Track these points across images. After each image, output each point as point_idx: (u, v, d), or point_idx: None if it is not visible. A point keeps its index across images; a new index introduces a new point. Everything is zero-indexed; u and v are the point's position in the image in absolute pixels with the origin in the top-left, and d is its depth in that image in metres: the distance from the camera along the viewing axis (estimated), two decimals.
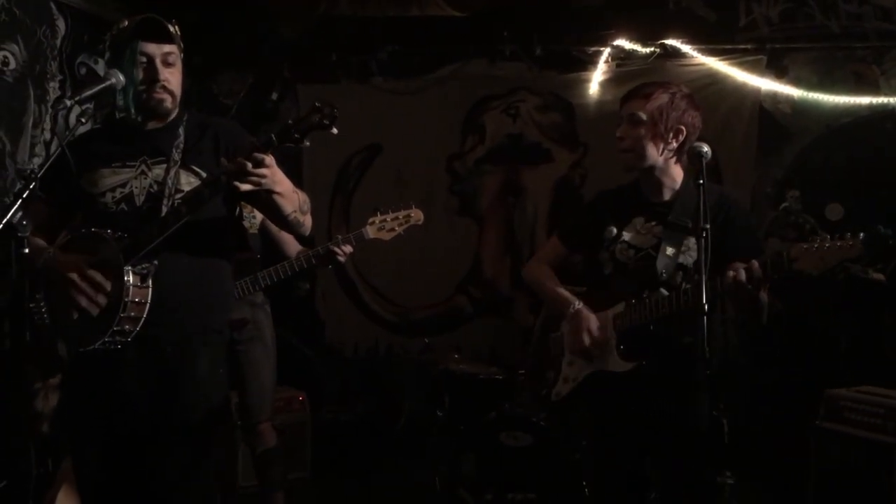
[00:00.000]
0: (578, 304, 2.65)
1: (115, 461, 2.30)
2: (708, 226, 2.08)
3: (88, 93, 2.14)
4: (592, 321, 2.60)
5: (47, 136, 4.64)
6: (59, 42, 4.72)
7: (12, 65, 4.41)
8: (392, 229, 3.43)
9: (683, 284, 2.46)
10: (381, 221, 3.44)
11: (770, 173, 4.94)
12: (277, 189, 2.17)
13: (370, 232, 3.44)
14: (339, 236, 3.49)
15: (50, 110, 4.63)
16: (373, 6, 4.83)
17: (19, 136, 4.45)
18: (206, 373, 2.34)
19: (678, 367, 2.29)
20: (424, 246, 5.04)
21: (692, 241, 2.47)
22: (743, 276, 2.24)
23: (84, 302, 2.18)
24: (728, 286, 2.26)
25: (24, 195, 1.92)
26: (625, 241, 2.58)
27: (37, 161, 4.54)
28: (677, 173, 2.58)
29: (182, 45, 2.40)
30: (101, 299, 2.19)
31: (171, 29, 2.34)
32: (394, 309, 5.59)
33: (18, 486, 3.37)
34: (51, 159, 2.08)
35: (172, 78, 2.34)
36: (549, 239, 3.00)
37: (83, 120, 2.15)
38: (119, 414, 2.28)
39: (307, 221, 2.43)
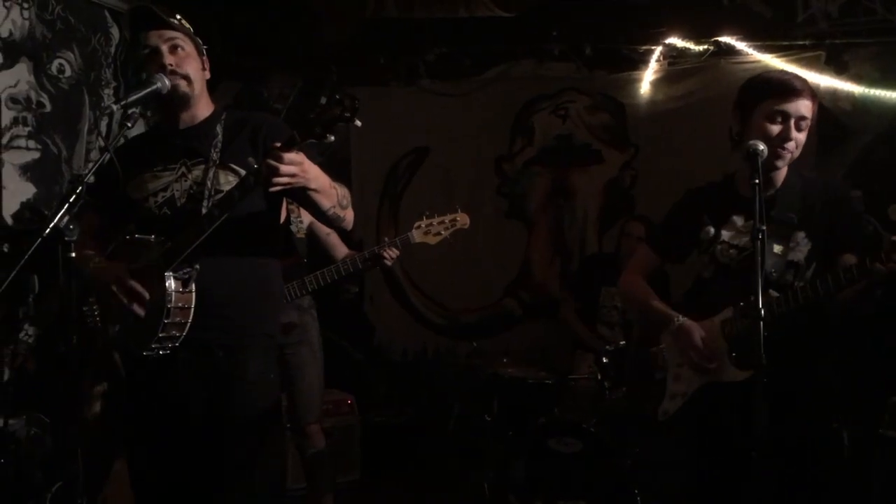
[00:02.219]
0: (680, 318, 2.53)
1: (167, 463, 2.31)
2: (764, 227, 2.00)
3: (134, 97, 2.15)
4: (697, 333, 2.48)
5: (102, 142, 4.73)
6: (113, 49, 4.81)
7: (68, 72, 4.50)
8: (438, 233, 3.43)
9: (796, 283, 2.37)
10: (427, 225, 3.44)
11: (830, 173, 4.77)
12: (312, 185, 2.13)
13: (416, 236, 3.45)
14: (386, 239, 3.50)
15: (105, 118, 4.72)
16: (420, 8, 4.81)
17: (75, 142, 4.55)
18: (257, 375, 2.33)
19: (797, 374, 2.19)
20: (473, 249, 5.03)
21: (801, 235, 2.40)
22: None
23: (133, 302, 2.19)
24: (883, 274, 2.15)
25: (71, 199, 1.93)
26: (725, 242, 2.48)
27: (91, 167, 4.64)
28: (785, 167, 2.49)
29: (195, 37, 2.37)
30: (139, 309, 2.19)
31: (172, 19, 2.31)
32: (442, 312, 5.57)
33: (73, 487, 3.44)
34: (96, 164, 2.08)
35: (183, 63, 2.29)
36: (639, 249, 2.88)
37: (129, 124, 2.16)
38: (172, 416, 2.29)
39: (348, 216, 2.39)
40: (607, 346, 3.85)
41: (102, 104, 4.72)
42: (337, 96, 1.97)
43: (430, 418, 5.23)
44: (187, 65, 2.30)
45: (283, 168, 2.00)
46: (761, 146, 2.16)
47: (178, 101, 2.31)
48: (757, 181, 2.05)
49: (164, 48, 2.27)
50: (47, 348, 3.97)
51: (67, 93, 4.48)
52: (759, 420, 1.92)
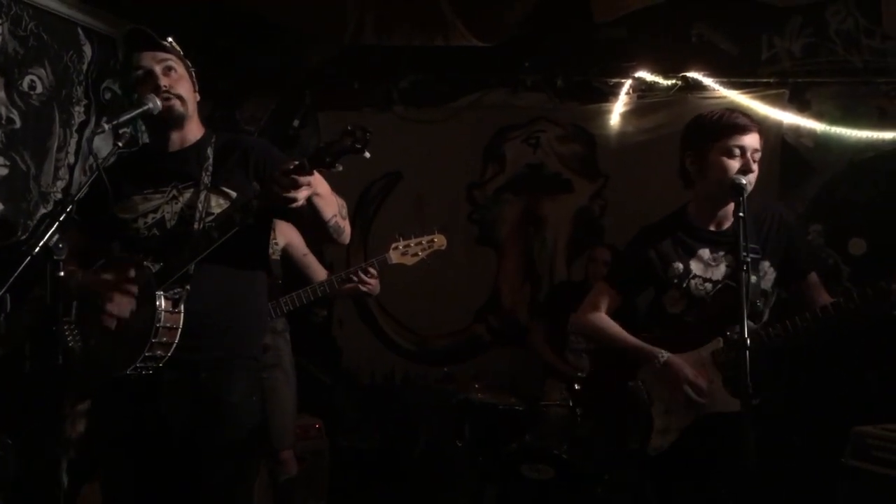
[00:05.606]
0: (665, 355, 2.55)
1: (147, 486, 2.28)
2: (748, 258, 2.06)
3: (126, 117, 2.15)
4: (688, 369, 2.50)
5: (71, 159, 4.68)
6: (85, 67, 4.77)
7: (39, 89, 4.45)
8: (416, 254, 3.43)
9: (765, 311, 2.48)
10: (404, 247, 3.45)
11: (792, 207, 4.91)
12: (318, 190, 2.16)
13: (393, 257, 3.45)
14: (363, 264, 3.50)
15: (75, 134, 4.68)
16: (398, 35, 4.86)
17: (44, 160, 4.48)
18: (241, 398, 2.33)
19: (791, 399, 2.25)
20: (443, 274, 5.03)
21: (766, 265, 2.49)
22: None
23: (113, 308, 2.18)
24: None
25: (61, 218, 1.91)
26: (698, 276, 2.53)
27: (60, 184, 4.58)
28: None
29: (185, 59, 2.39)
30: (127, 303, 2.18)
31: (164, 41, 2.33)
32: (411, 337, 5.56)
33: None
34: (86, 183, 2.07)
35: (177, 84, 2.31)
36: (596, 286, 2.89)
37: (119, 144, 2.14)
38: (153, 439, 2.27)
39: (347, 227, 2.41)
40: (580, 374, 3.89)
41: (72, 121, 4.68)
42: (349, 127, 1.99)
43: (398, 443, 5.22)
44: (180, 86, 2.32)
45: (301, 179, 2.02)
46: (744, 180, 2.24)
47: (172, 121, 2.32)
48: (741, 214, 2.12)
49: (158, 70, 2.29)
50: (11, 368, 3.89)
51: (38, 109, 4.43)
52: (747, 449, 1.96)
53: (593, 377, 2.96)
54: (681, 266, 2.56)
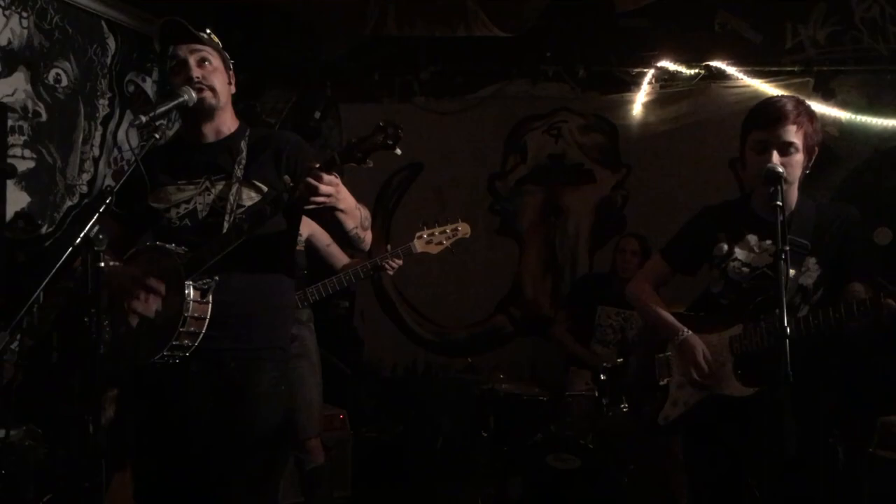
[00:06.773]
0: (686, 333, 2.57)
1: (175, 475, 2.30)
2: (787, 248, 2.04)
3: (162, 109, 2.16)
4: (702, 350, 2.51)
5: (97, 152, 4.72)
6: (109, 60, 4.81)
7: (64, 82, 4.49)
8: (440, 243, 3.43)
9: (802, 307, 2.42)
10: (428, 235, 3.44)
11: (817, 197, 4.82)
12: (341, 206, 2.17)
13: (418, 246, 3.45)
14: (389, 248, 3.50)
15: (100, 127, 4.72)
16: (420, 26, 4.85)
17: (69, 153, 4.53)
18: (269, 389, 2.33)
19: (799, 393, 2.23)
20: (464, 265, 5.05)
21: (812, 261, 2.44)
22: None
23: (138, 306, 2.20)
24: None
25: (101, 209, 1.93)
26: (738, 259, 2.50)
27: (85, 177, 4.62)
28: (796, 190, 2.52)
29: (223, 52, 2.41)
30: (153, 301, 2.20)
31: (201, 33, 2.34)
32: (433, 328, 5.57)
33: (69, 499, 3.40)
34: (126, 174, 2.09)
35: (210, 76, 2.32)
36: (652, 257, 2.91)
37: (157, 136, 2.16)
38: (181, 428, 2.28)
39: (367, 237, 2.43)
40: (605, 364, 3.88)
41: (96, 114, 4.72)
42: (381, 123, 2.00)
43: (420, 435, 5.23)
44: (214, 78, 2.32)
45: (322, 188, 2.03)
46: (780, 168, 2.22)
47: (203, 113, 2.33)
48: (779, 203, 2.10)
49: (192, 61, 2.30)
50: (39, 359, 3.93)
51: (63, 102, 4.47)
52: (788, 437, 1.95)
53: (623, 364, 2.97)
54: (725, 247, 2.53)
